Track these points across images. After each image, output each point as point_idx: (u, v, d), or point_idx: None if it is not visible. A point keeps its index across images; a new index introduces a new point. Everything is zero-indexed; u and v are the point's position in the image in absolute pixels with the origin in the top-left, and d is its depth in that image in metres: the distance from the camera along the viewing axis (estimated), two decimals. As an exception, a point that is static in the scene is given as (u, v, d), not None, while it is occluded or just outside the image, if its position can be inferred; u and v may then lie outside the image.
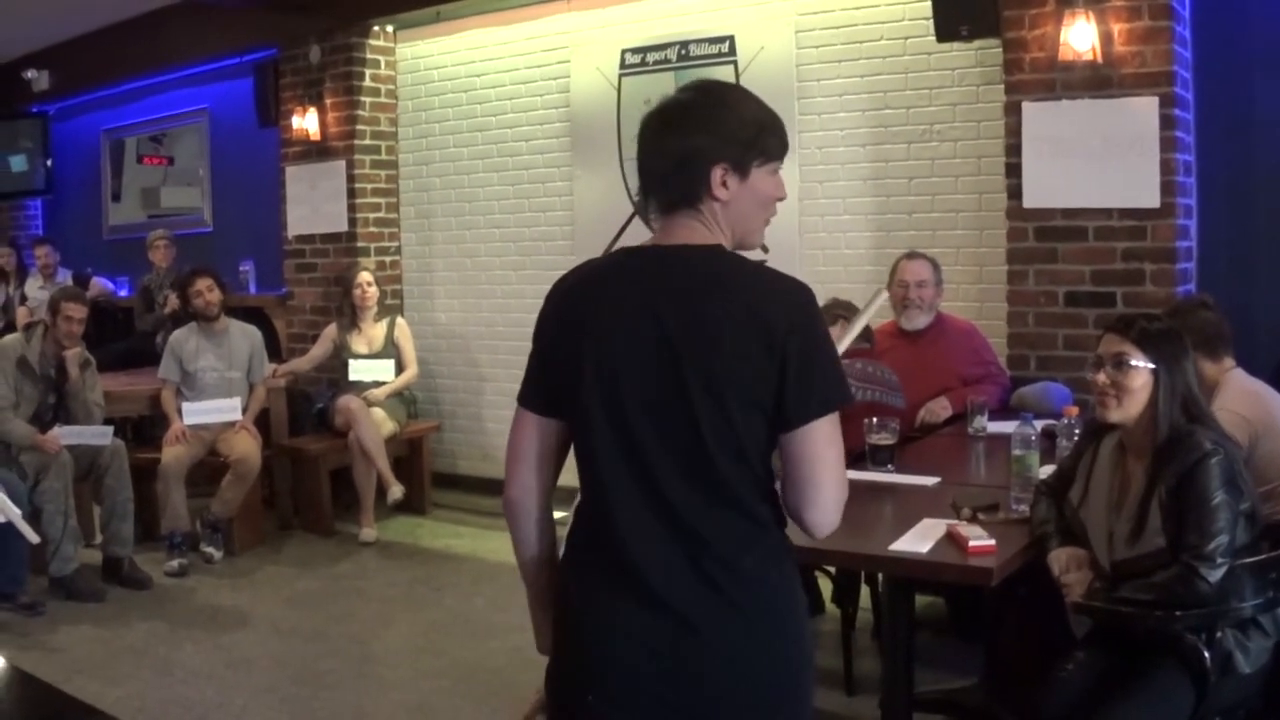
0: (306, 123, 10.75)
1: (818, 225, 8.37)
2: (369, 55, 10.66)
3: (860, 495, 5.02)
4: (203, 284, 8.95)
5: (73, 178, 14.37)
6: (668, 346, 2.63)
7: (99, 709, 1.86)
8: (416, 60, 10.75)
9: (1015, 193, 7.23)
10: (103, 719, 1.78)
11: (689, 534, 2.64)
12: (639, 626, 2.64)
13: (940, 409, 6.68)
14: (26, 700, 2.10)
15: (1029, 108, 7.12)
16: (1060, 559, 4.16)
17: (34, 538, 7.22)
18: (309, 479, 9.42)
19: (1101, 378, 4.00)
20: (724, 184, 2.76)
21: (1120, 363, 3.92)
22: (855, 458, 5.38)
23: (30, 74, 14.04)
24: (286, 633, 7.20)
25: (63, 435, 7.81)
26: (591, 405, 2.69)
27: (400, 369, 9.76)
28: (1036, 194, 7.15)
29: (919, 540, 4.21)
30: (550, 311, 2.88)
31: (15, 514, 7.22)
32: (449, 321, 10.69)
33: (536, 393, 2.85)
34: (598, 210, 9.44)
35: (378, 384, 9.57)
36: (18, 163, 14.42)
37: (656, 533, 2.64)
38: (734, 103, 2.86)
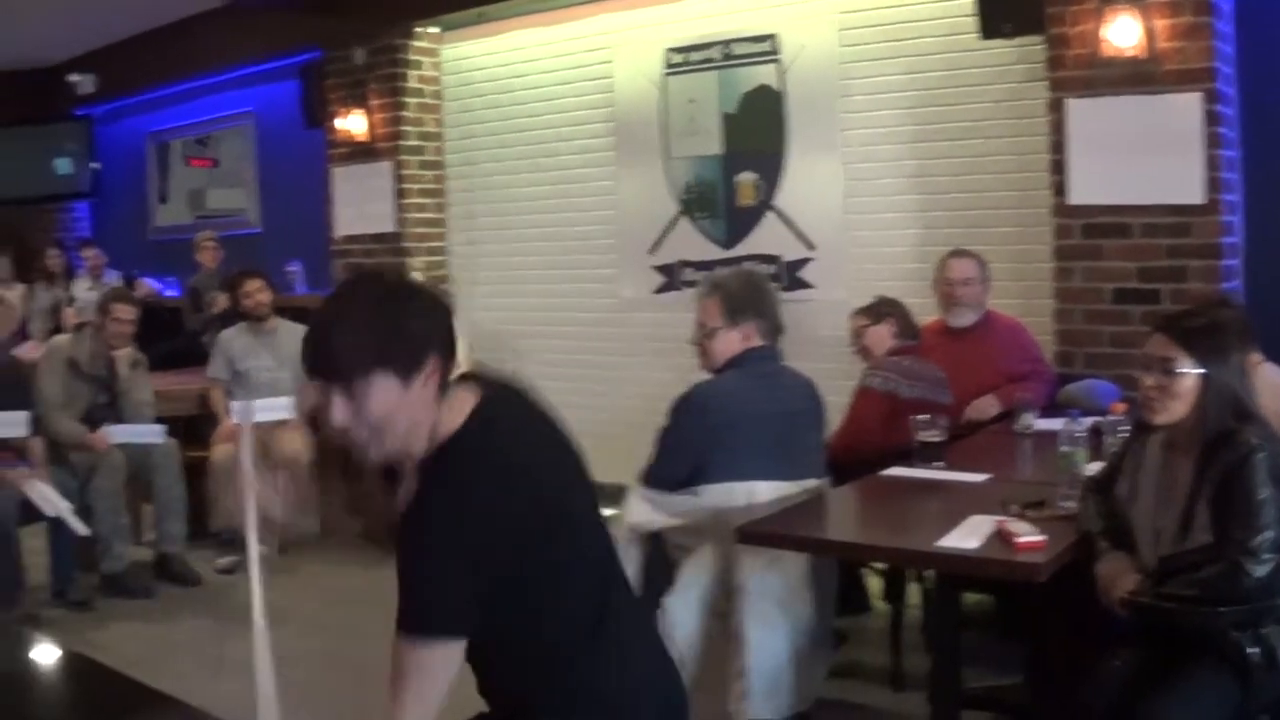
0: (352, 124, 10.88)
1: (862, 223, 8.42)
2: (413, 56, 10.75)
3: (909, 492, 5.21)
4: (253, 285, 9.08)
5: (119, 180, 14.52)
6: None
7: (165, 693, 1.93)
8: (460, 61, 10.84)
9: (1060, 189, 7.26)
10: (171, 704, 1.85)
11: None
12: None
13: (987, 406, 6.70)
14: (93, 685, 2.19)
15: (1072, 104, 7.16)
16: (1108, 569, 4.14)
17: (83, 530, 7.35)
18: (361, 476, 9.48)
19: (1149, 381, 4.01)
20: None
21: (1168, 369, 3.93)
22: (904, 454, 5.52)
23: (75, 78, 14.20)
24: (334, 628, 7.31)
25: (113, 434, 7.93)
26: None
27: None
28: (1081, 190, 7.18)
29: (967, 536, 4.22)
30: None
31: (65, 508, 7.36)
32: (494, 321, 10.77)
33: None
34: (641, 210, 9.57)
35: (427, 382, 9.59)
36: (63, 166, 14.58)
37: None
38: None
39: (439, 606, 2.67)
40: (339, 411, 2.65)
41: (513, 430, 2.85)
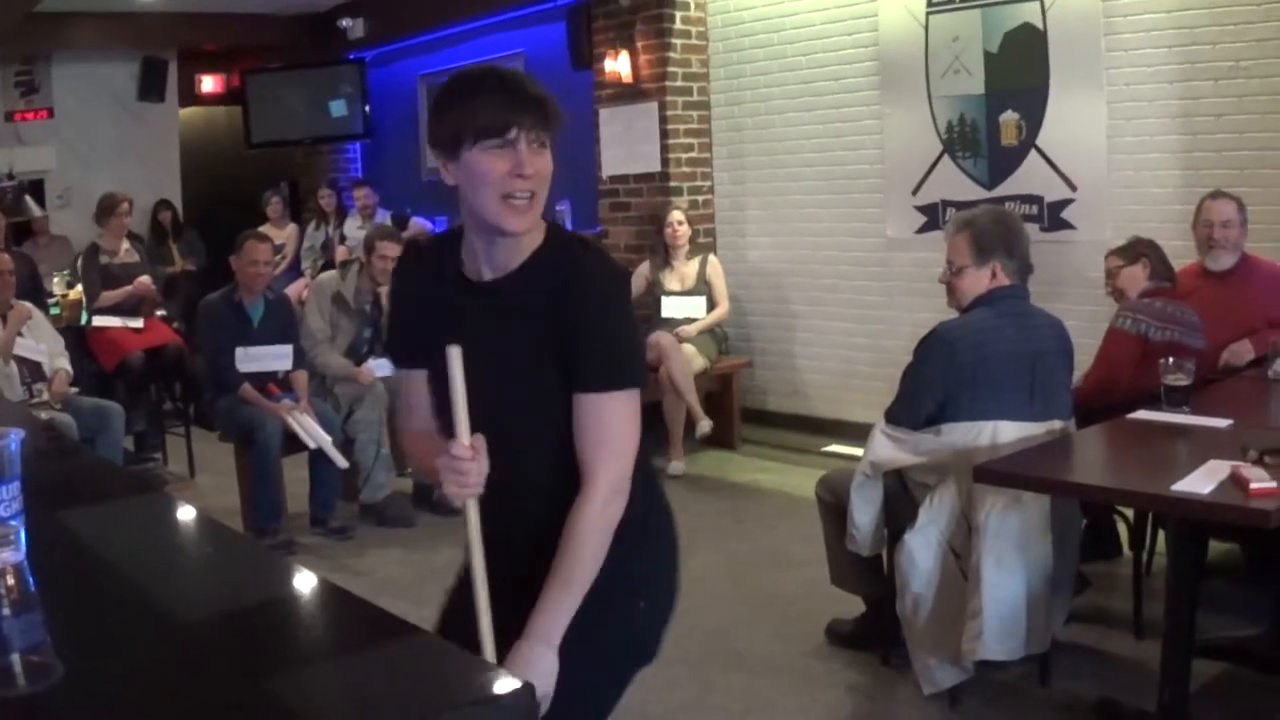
0: (619, 65, 11.20)
1: (1126, 164, 8.42)
2: (679, -3, 11.00)
3: (1153, 435, 5.14)
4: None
5: (390, 122, 15.07)
6: None
7: (411, 624, 2.16)
8: (726, 1, 11.06)
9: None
10: (417, 633, 2.07)
11: None
12: None
13: (1244, 351, 6.63)
14: (341, 614, 2.43)
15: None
16: None
17: (342, 462, 7.78)
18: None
19: None
20: (445, 169, 2.92)
21: None
22: (1151, 397, 5.54)
23: (345, 23, 14.76)
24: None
25: (377, 368, 8.37)
26: None
27: (712, 306, 10.14)
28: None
29: (1202, 481, 4.18)
30: None
31: (325, 440, 7.80)
32: (760, 259, 11.03)
33: None
34: (907, 148, 9.70)
35: (689, 320, 9.96)
36: (337, 108, 15.12)
37: None
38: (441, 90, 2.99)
39: (642, 360, 3.10)
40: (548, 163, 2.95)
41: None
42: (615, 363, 2.92)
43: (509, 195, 2.84)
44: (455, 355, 2.72)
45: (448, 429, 2.88)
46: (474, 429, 2.79)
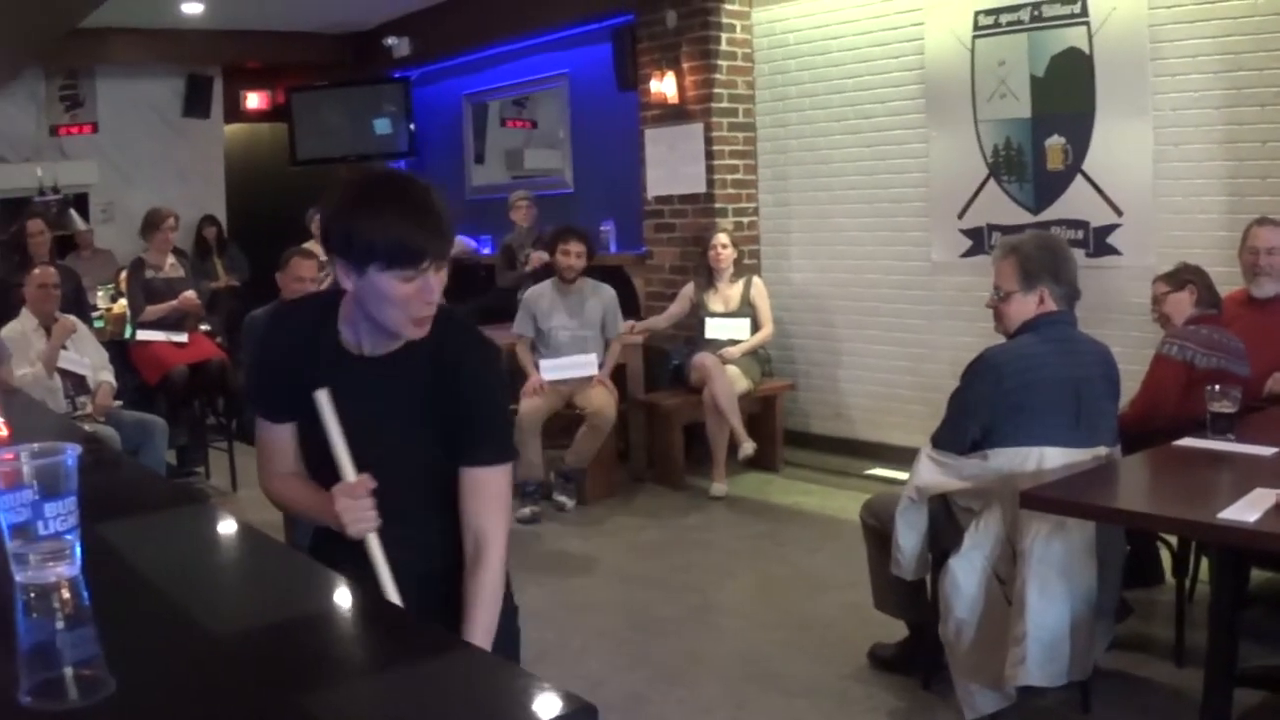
0: (664, 86, 11.24)
1: (1172, 189, 8.41)
2: (724, 19, 11.07)
3: (1197, 463, 5.13)
4: (574, 246, 9.48)
5: (435, 140, 15.18)
6: None
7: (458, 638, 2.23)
8: (772, 24, 11.11)
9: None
10: (461, 647, 2.10)
11: None
12: None
13: None
14: (387, 628, 2.47)
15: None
16: None
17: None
18: (663, 433, 9.90)
19: None
20: (344, 274, 3.03)
21: None
22: (1196, 425, 5.54)
23: (391, 41, 14.86)
24: (629, 580, 7.68)
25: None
26: None
27: (756, 328, 10.16)
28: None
29: (1247, 509, 4.16)
30: None
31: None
32: (804, 282, 11.06)
33: None
34: (952, 172, 9.72)
35: (733, 342, 10.01)
36: (381, 126, 15.25)
37: None
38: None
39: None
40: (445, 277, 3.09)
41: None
42: (505, 438, 3.31)
43: (416, 317, 3.03)
44: (325, 399, 3.02)
45: (319, 477, 3.22)
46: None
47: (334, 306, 3.17)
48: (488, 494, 3.18)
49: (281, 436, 3.32)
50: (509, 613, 3.35)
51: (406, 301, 2.96)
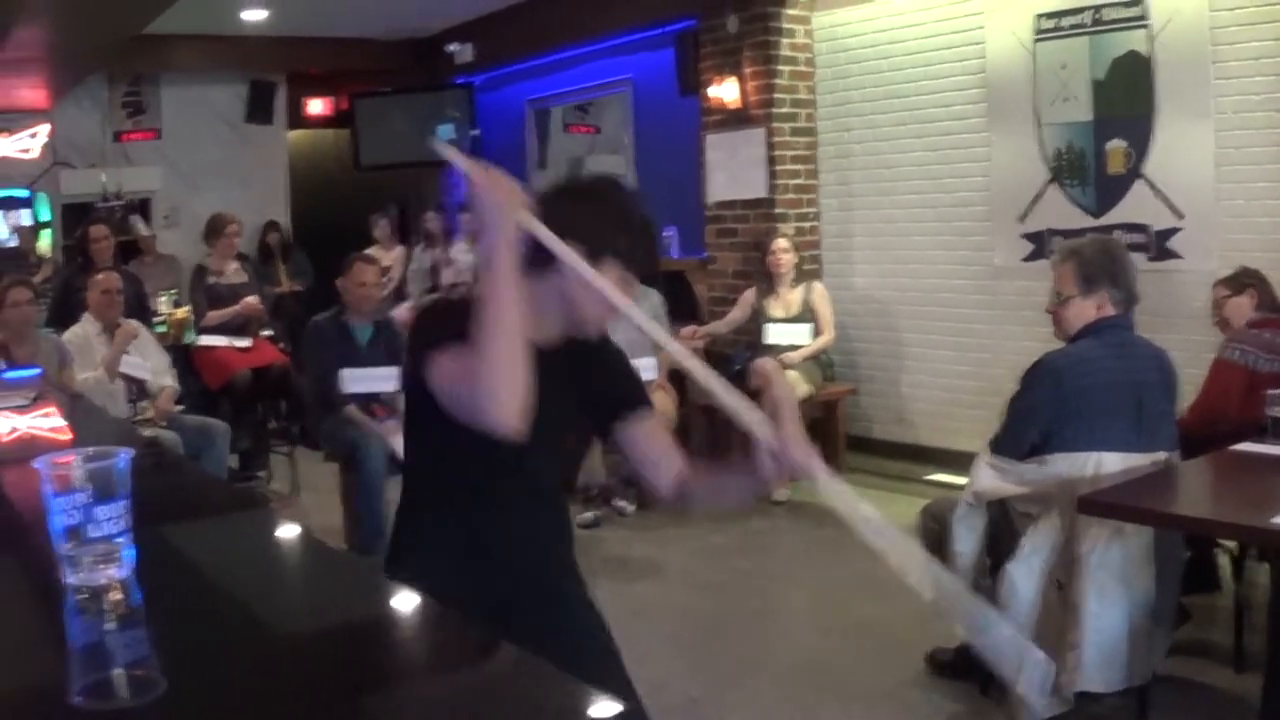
0: (725, 91, 11.27)
1: (1233, 193, 8.37)
2: (785, 25, 11.08)
3: (1258, 468, 5.15)
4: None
5: (499, 146, 15.16)
6: None
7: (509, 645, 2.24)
8: (834, 29, 11.11)
9: None
10: (512, 654, 2.12)
11: None
12: None
13: None
14: (441, 634, 2.48)
15: None
16: None
17: None
18: (724, 437, 9.87)
19: None
20: (571, 246, 3.06)
21: None
22: (1257, 429, 5.52)
23: (454, 47, 14.96)
24: (691, 584, 7.70)
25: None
26: None
27: (817, 333, 10.15)
28: None
29: None
30: None
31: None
32: (866, 286, 11.06)
33: None
34: (1014, 176, 9.71)
35: (794, 348, 10.00)
36: (445, 131, 15.25)
37: None
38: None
39: None
40: None
41: None
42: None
43: (605, 317, 3.21)
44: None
45: (476, 493, 3.26)
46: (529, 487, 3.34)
47: None
48: (665, 431, 3.49)
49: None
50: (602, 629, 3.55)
51: (608, 306, 3.09)
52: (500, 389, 2.81)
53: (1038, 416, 5.30)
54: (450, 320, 3.02)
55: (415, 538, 3.32)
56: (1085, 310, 5.36)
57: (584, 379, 3.31)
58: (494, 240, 2.90)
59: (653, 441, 3.40)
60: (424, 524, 3.32)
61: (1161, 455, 5.29)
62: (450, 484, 3.24)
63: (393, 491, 8.09)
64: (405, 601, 2.60)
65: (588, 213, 3.13)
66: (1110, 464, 5.16)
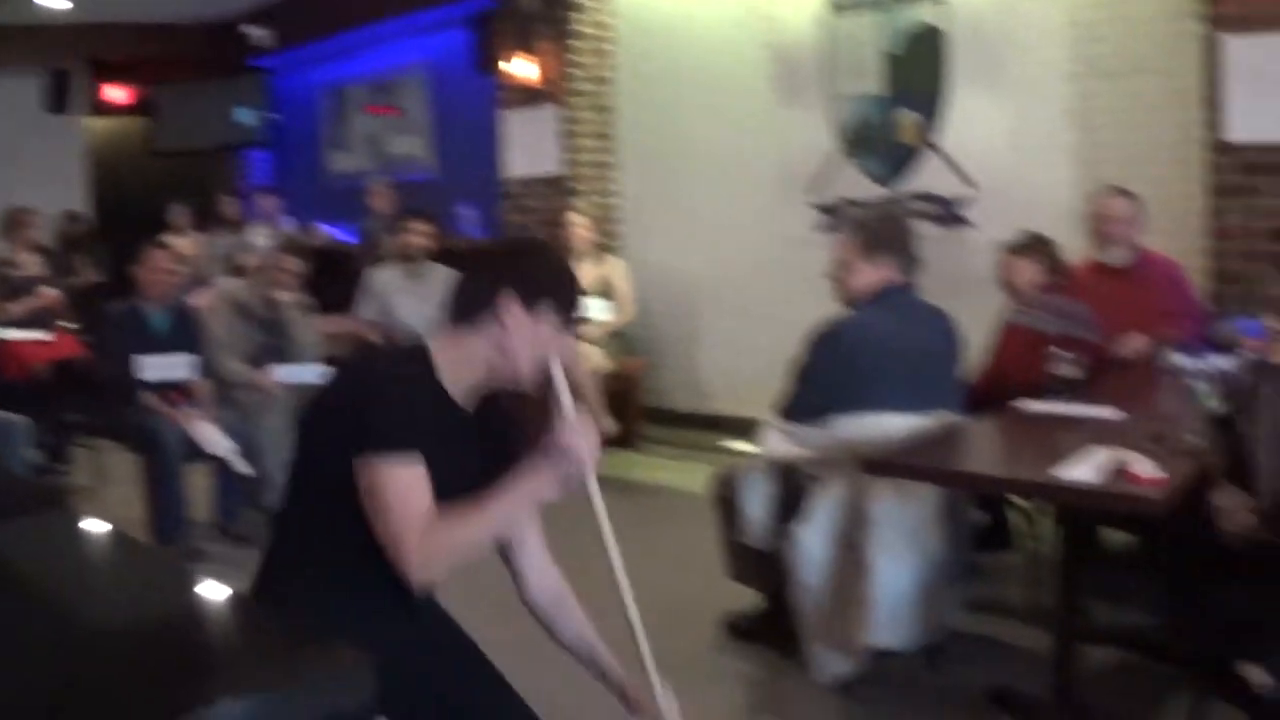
0: (522, 69, 11.21)
1: (1028, 161, 8.54)
2: (586, 2, 11.05)
3: (1040, 426, 5.25)
4: (415, 225, 9.48)
5: (297, 129, 15.10)
6: None
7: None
8: (636, 6, 11.09)
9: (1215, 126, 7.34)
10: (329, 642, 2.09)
11: None
12: None
13: (1137, 343, 6.65)
14: (247, 622, 2.44)
15: (1229, 41, 7.21)
16: (1225, 503, 4.16)
17: (246, 469, 7.73)
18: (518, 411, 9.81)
19: (1273, 321, 4.08)
20: (508, 309, 3.17)
21: None
22: (1045, 391, 5.62)
23: (251, 31, 14.71)
24: (493, 565, 7.61)
25: (278, 374, 8.29)
26: None
27: (615, 309, 10.14)
28: (1240, 128, 7.26)
29: (1089, 470, 4.23)
30: None
31: (228, 447, 7.74)
32: (664, 261, 11.03)
33: None
34: (805, 149, 9.83)
35: (593, 323, 9.93)
36: (243, 116, 15.07)
37: None
38: None
39: None
40: None
41: None
42: None
43: (534, 373, 3.23)
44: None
45: None
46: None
47: (426, 360, 3.22)
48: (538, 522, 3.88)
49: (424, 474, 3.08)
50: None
51: (545, 355, 3.21)
52: (436, 569, 3.08)
53: (819, 380, 5.34)
54: (402, 421, 3.03)
55: (293, 587, 3.17)
56: (867, 276, 5.40)
57: (486, 440, 3.35)
58: (551, 481, 3.15)
59: (529, 525, 3.67)
60: (306, 576, 3.20)
61: (945, 416, 5.34)
62: (340, 540, 3.12)
63: (196, 478, 7.99)
64: (210, 591, 2.54)
65: (523, 266, 3.25)
66: (893, 425, 5.18)
